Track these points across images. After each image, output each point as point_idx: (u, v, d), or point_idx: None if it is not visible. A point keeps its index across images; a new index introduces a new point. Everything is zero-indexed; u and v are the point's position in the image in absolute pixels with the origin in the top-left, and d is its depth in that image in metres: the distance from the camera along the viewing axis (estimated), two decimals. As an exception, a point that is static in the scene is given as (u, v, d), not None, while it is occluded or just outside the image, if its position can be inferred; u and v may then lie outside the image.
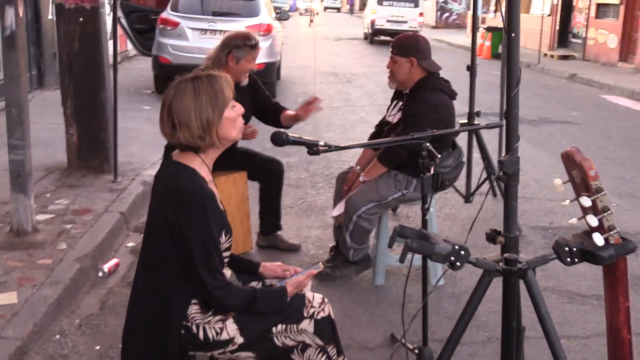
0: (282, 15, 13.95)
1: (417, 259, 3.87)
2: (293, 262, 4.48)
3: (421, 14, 25.00)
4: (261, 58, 10.43)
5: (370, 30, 24.88)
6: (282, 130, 2.52)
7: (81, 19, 5.91)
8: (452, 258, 2.05)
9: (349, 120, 9.56)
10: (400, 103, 4.12)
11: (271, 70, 10.83)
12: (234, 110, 2.34)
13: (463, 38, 27.94)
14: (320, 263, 2.86)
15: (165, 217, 2.25)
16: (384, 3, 24.15)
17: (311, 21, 37.51)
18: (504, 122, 2.28)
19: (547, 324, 2.29)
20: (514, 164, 2.22)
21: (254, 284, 2.57)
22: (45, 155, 6.50)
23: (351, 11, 74.91)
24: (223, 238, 2.32)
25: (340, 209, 4.13)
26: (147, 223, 2.39)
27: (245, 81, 4.29)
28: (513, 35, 2.11)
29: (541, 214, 5.50)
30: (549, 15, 20.67)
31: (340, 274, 4.18)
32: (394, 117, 4.14)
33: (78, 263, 4.13)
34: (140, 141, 7.61)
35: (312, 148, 2.53)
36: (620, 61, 17.10)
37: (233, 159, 4.32)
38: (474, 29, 5.43)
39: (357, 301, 3.95)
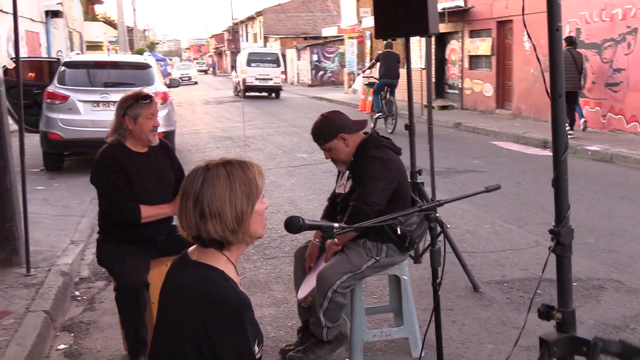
0: (172, 83, 13.61)
1: (398, 332, 3.66)
2: (255, 348, 4.11)
3: (283, 72, 30.39)
4: (160, 127, 10.15)
5: (242, 87, 29.18)
6: (297, 215, 2.25)
7: (-23, 100, 5.35)
8: None
9: (261, 186, 9.27)
10: (347, 173, 3.96)
11: (171, 139, 10.41)
12: (263, 203, 2.04)
13: (340, 94, 28.65)
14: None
15: (192, 332, 1.88)
16: (252, 64, 28.88)
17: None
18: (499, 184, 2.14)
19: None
20: (570, 234, 2.06)
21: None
22: (-61, 252, 5.74)
23: (214, 73, 77.39)
24: (256, 349, 1.99)
25: (306, 289, 3.84)
26: (160, 340, 2.00)
27: (155, 140, 4.01)
28: (560, 96, 1.98)
29: (490, 267, 5.44)
30: (423, 69, 21.55)
31: (313, 357, 3.84)
32: (345, 187, 3.98)
33: (12, 379, 3.56)
34: (43, 226, 6.96)
35: (329, 231, 2.29)
36: (498, 108, 18.00)
37: (178, 242, 3.92)
38: (409, 87, 5.37)
39: (338, 384, 3.64)
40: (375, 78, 16.14)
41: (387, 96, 15.42)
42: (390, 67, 15.42)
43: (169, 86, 13.08)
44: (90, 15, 40.33)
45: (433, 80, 21.75)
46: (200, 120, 19.87)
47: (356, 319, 3.83)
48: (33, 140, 10.81)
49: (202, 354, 1.89)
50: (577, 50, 12.62)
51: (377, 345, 4.09)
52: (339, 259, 3.75)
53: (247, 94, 29.48)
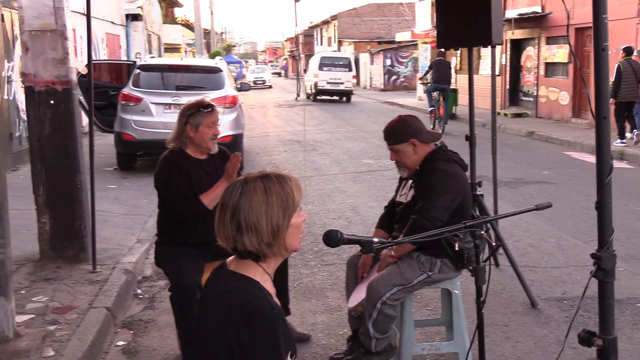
0: (242, 87, 13.84)
1: (445, 346, 3.62)
2: (305, 354, 4.16)
3: (354, 77, 30.89)
4: (228, 130, 10.39)
5: (313, 91, 29.74)
6: (335, 229, 2.26)
7: (52, 102, 5.59)
8: None
9: (325, 190, 9.33)
10: (410, 181, 3.94)
11: (238, 142, 10.61)
12: (300, 216, 2.07)
13: (412, 99, 28.44)
14: None
15: (227, 340, 1.92)
16: (324, 68, 29.30)
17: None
18: (550, 203, 2.09)
19: None
20: (611, 260, 2.00)
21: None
22: (13, 246, 5.99)
23: (286, 75, 78.71)
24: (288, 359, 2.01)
25: (357, 298, 3.84)
26: (197, 347, 2.05)
27: (215, 148, 4.12)
28: (604, 118, 1.92)
29: (550, 284, 5.30)
30: (498, 75, 21.20)
31: (361, 367, 3.85)
32: (407, 196, 3.96)
33: (71, 374, 3.71)
34: (112, 224, 7.21)
35: (367, 246, 2.29)
36: (574, 117, 17.48)
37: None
38: (471, 97, 5.29)
39: (385, 396, 3.62)
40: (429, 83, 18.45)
41: (440, 99, 17.29)
42: (441, 74, 17.48)
43: (240, 90, 13.31)
44: (169, 18, 41.50)
45: (507, 87, 21.40)
46: (270, 123, 20.13)
47: (405, 332, 3.80)
48: (109, 140, 11.22)
49: None
50: (636, 58, 12.61)
51: (426, 358, 4.05)
52: (391, 270, 3.74)
53: (318, 97, 29.89)
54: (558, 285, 5.29)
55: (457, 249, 2.90)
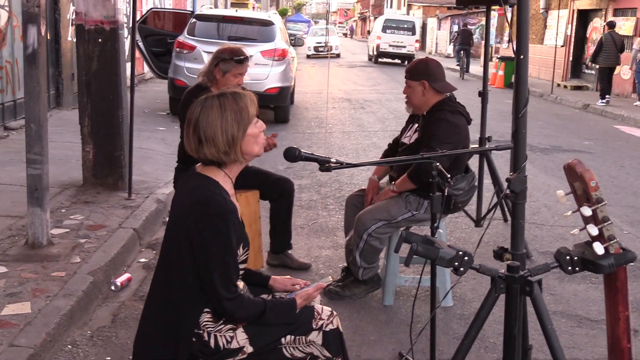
0: (296, 42, 14.14)
1: (426, 280, 3.92)
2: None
3: (417, 41, 31.04)
4: (275, 82, 10.75)
5: (375, 53, 30.04)
6: (295, 146, 2.58)
7: (100, 40, 6.04)
8: (456, 263, 2.10)
9: (362, 145, 9.63)
10: (416, 125, 4.18)
11: (285, 95, 10.95)
12: (257, 127, 2.40)
13: (476, 67, 28.08)
14: (330, 277, 2.89)
15: (187, 227, 2.29)
16: (387, 31, 29.49)
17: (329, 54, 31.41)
18: (511, 144, 2.34)
19: (553, 340, 2.32)
20: (521, 183, 2.26)
21: (264, 296, 2.62)
22: (61, 172, 6.60)
23: (351, 36, 79.03)
24: (240, 251, 2.37)
25: None
26: (167, 234, 2.44)
27: None
28: (522, 57, 2.17)
29: (552, 240, 5.50)
30: (562, 46, 20.79)
31: (349, 293, 4.21)
32: (410, 139, 4.19)
33: (91, 276, 4.18)
34: (154, 161, 7.71)
35: (324, 164, 2.59)
36: (634, 92, 17.09)
37: (245, 178, 4.32)
38: (486, 58, 5.48)
39: (366, 320, 3.97)
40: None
41: (463, 56, 24.30)
42: (464, 39, 24.99)
43: (294, 45, 13.61)
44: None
45: (570, 59, 20.97)
46: (326, 81, 20.39)
47: (390, 264, 4.13)
48: (166, 87, 11.74)
49: (194, 249, 2.30)
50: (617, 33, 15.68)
51: (412, 291, 4.36)
52: (380, 205, 4.05)
53: (379, 59, 29.98)
54: (559, 241, 5.48)
55: (445, 194, 3.16)
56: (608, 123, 13.41)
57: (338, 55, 34.08)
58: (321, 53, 32.52)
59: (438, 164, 2.83)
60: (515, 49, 2.19)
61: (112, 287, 4.30)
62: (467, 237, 5.56)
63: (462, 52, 24.40)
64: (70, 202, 5.75)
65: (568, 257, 2.09)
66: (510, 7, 5.15)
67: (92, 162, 6.22)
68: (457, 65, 25.15)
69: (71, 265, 4.34)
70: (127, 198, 5.98)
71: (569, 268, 2.10)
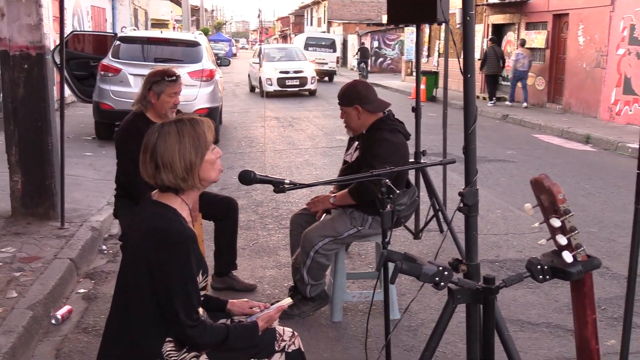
0: (222, 62, 14.11)
1: (378, 294, 3.98)
2: (250, 302, 4.50)
3: (337, 57, 33.34)
4: (204, 103, 10.69)
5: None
6: (250, 169, 2.60)
7: (26, 66, 5.87)
8: (437, 278, 2.16)
9: (294, 163, 9.68)
10: (356, 143, 4.26)
11: (214, 115, 10.90)
12: (214, 153, 2.40)
13: (398, 82, 28.75)
14: (289, 298, 2.90)
15: (145, 256, 2.25)
16: (309, 48, 30.53)
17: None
18: (454, 158, 2.44)
19: (510, 347, 2.41)
20: (473, 196, 2.36)
21: (223, 321, 2.60)
22: (-13, 203, 6.35)
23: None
24: (200, 278, 2.36)
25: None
26: (124, 263, 2.40)
27: (172, 116, 4.35)
28: (469, 76, 2.27)
29: (487, 248, 5.68)
30: (479, 60, 21.50)
31: (297, 312, 4.22)
32: (351, 157, 4.28)
33: (30, 311, 4.04)
34: (84, 187, 7.53)
35: (278, 186, 2.63)
36: (549, 102, 17.86)
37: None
38: (418, 73, 5.65)
39: (316, 337, 3.99)
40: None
41: (364, 66, 31.07)
42: (363, 54, 32.24)
43: (220, 65, 13.57)
44: (158, -6, 41.36)
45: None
46: (253, 101, 20.38)
47: (337, 281, 4.17)
48: (90, 111, 11.48)
49: (154, 277, 2.27)
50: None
51: (359, 306, 4.42)
52: (325, 222, 4.10)
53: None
54: (493, 249, 5.67)
55: (388, 209, 3.22)
56: (527, 132, 13.96)
57: (314, 93, 22.59)
58: (290, 89, 21.78)
59: (387, 180, 2.90)
60: (462, 69, 2.28)
61: (53, 321, 4.17)
62: (407, 249, 5.62)
63: (362, 64, 31.24)
64: (0, 234, 5.54)
65: (539, 267, 2.18)
66: (438, 24, 5.31)
67: (20, 192, 6.01)
68: (360, 75, 30.53)
69: (8, 300, 4.18)
70: (60, 227, 5.82)
71: (540, 277, 2.19)
